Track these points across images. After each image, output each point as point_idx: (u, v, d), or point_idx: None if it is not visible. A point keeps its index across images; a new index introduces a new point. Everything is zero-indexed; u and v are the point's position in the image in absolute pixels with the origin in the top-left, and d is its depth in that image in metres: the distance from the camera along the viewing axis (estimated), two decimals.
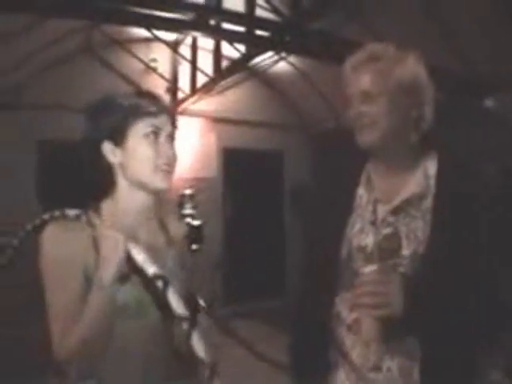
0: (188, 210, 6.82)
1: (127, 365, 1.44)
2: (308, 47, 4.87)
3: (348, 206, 1.63)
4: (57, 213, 1.43)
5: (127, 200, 1.52)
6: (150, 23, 4.73)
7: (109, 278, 1.33)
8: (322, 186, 1.94)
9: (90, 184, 1.55)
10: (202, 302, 4.57)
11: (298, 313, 1.83)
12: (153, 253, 1.48)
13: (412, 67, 1.52)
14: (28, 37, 5.22)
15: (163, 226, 1.64)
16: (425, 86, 1.53)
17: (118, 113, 1.46)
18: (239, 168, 8.09)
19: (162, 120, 1.50)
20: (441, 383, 1.40)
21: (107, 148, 1.48)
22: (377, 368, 1.46)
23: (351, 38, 4.77)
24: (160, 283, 1.27)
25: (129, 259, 1.34)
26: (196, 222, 6.76)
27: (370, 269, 1.37)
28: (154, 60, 7.31)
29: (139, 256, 1.31)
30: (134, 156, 1.47)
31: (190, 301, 1.56)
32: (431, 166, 1.54)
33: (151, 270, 1.29)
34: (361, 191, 1.64)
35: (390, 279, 1.35)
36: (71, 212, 1.42)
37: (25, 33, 5.14)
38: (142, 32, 6.69)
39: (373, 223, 1.55)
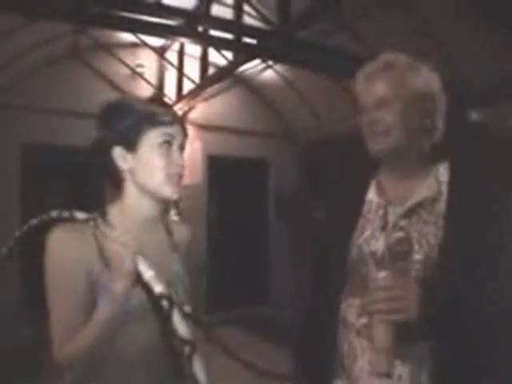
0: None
1: (129, 368, 1.42)
2: (295, 56, 4.88)
3: (356, 211, 1.64)
4: (65, 213, 1.41)
5: (135, 206, 1.51)
6: (138, 28, 4.72)
7: (120, 290, 1.31)
8: (330, 191, 1.94)
9: (98, 188, 1.54)
10: (188, 309, 4.54)
11: (302, 321, 1.84)
12: (159, 257, 1.49)
13: (425, 76, 1.55)
14: (14, 39, 5.18)
15: (168, 232, 1.63)
16: (437, 95, 1.55)
17: (132, 118, 1.45)
18: (224, 175, 8.07)
19: (175, 129, 1.49)
20: None
21: (118, 153, 1.47)
22: (388, 375, 1.44)
23: (339, 48, 4.81)
24: (165, 303, 1.25)
25: (136, 271, 1.32)
26: None
27: (383, 274, 1.35)
28: (141, 65, 7.29)
29: (147, 273, 1.30)
30: (146, 164, 1.46)
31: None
32: (443, 173, 1.56)
33: (157, 288, 1.27)
34: (370, 196, 1.65)
35: (405, 283, 1.35)
36: (80, 215, 1.41)
37: (11, 35, 5.11)
38: (128, 37, 6.68)
39: (383, 228, 1.55)
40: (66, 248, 1.38)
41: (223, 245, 7.96)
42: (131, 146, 1.46)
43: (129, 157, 1.47)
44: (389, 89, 1.52)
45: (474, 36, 4.59)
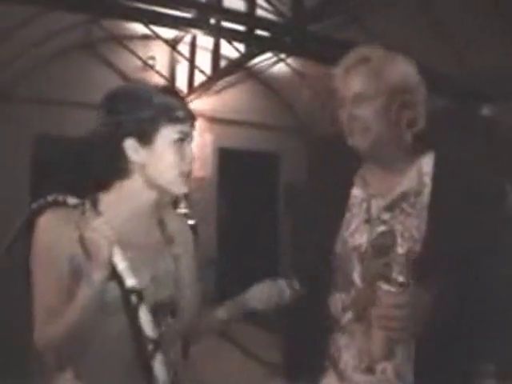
0: (182, 210, 6.81)
1: (108, 360, 1.40)
2: (308, 49, 4.85)
3: (343, 206, 1.62)
4: (60, 198, 1.40)
5: (136, 198, 1.48)
6: (151, 19, 4.72)
7: (98, 279, 1.30)
8: (318, 186, 1.93)
9: (97, 175, 1.51)
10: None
11: (291, 314, 1.81)
12: (150, 249, 1.48)
13: (402, 67, 1.51)
14: (27, 31, 5.19)
15: (161, 225, 1.60)
16: (416, 86, 1.52)
17: (150, 111, 1.41)
18: (234, 168, 8.07)
19: (189, 125, 1.47)
20: None
21: (130, 145, 1.42)
22: (370, 370, 1.43)
23: (351, 41, 4.77)
24: (134, 298, 1.24)
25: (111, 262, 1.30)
26: (190, 222, 6.73)
27: (397, 289, 1.25)
28: (153, 58, 7.29)
29: (121, 264, 1.29)
30: (160, 160, 1.43)
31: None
32: (426, 164, 1.53)
33: (129, 281, 1.26)
34: (355, 191, 1.62)
35: (420, 299, 1.27)
36: (71, 200, 1.40)
37: (23, 26, 5.12)
38: (141, 29, 6.67)
39: (367, 221, 1.54)
40: (51, 232, 1.37)
41: (233, 238, 7.97)
42: (146, 139, 1.42)
43: (142, 150, 1.43)
44: (367, 84, 1.49)
45: (487, 32, 4.55)
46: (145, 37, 7.07)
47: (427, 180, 1.50)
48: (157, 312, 1.36)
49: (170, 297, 1.49)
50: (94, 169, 1.51)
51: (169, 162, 1.44)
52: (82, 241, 1.33)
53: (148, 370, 1.33)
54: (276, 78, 7.77)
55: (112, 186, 1.48)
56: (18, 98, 6.07)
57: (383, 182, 1.55)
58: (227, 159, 7.98)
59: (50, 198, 1.41)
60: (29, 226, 1.42)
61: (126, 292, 1.26)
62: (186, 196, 6.90)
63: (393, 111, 1.48)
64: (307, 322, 1.64)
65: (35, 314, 1.37)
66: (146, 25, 6.14)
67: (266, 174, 8.40)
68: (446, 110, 5.19)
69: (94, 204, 1.42)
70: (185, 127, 1.45)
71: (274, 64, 7.16)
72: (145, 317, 1.22)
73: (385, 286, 1.26)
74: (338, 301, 1.53)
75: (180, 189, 1.48)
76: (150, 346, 1.18)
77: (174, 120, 1.42)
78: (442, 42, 4.93)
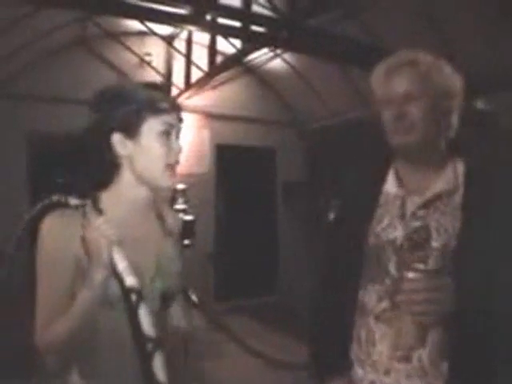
0: (180, 205, 6.80)
1: (116, 353, 1.42)
2: (304, 44, 4.86)
3: (373, 200, 1.69)
4: (62, 198, 1.41)
5: (130, 192, 1.50)
6: (146, 16, 4.71)
7: (98, 280, 1.32)
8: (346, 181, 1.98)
9: (92, 173, 1.53)
10: (194, 298, 4.56)
11: (315, 311, 1.87)
12: (152, 242, 1.51)
13: (448, 74, 1.58)
14: (21, 28, 5.18)
15: (160, 218, 1.63)
16: (458, 94, 1.59)
17: (134, 105, 1.44)
18: (232, 164, 8.08)
19: (174, 117, 1.49)
20: (468, 377, 1.41)
21: (117, 139, 1.45)
22: (406, 358, 1.48)
23: (347, 36, 4.78)
24: (134, 297, 1.24)
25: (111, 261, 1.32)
26: (188, 217, 6.74)
27: (419, 275, 1.34)
28: (149, 54, 7.26)
29: (120, 264, 1.30)
30: (147, 153, 1.46)
31: (184, 296, 1.55)
32: (460, 166, 1.60)
33: (129, 281, 1.27)
34: (388, 187, 1.68)
35: (443, 284, 1.35)
36: (73, 201, 1.41)
37: (18, 23, 5.11)
38: (136, 25, 6.65)
39: (401, 217, 1.59)
40: (55, 234, 1.39)
41: (231, 233, 7.99)
42: (132, 132, 1.45)
43: (129, 143, 1.46)
44: (416, 84, 1.55)
45: (481, 23, 4.56)
46: (141, 33, 7.04)
47: (461, 181, 1.57)
48: (165, 300, 1.38)
49: (174, 285, 1.53)
50: (87, 166, 1.53)
51: (155, 154, 1.46)
52: (84, 241, 1.36)
53: (147, 369, 1.34)
54: (272, 74, 7.77)
55: (110, 184, 1.50)
56: (14, 95, 6.06)
57: (418, 180, 1.62)
58: (224, 155, 7.98)
59: (54, 199, 1.42)
60: (33, 228, 1.43)
61: (126, 291, 1.26)
62: (184, 192, 6.90)
63: (437, 114, 1.56)
64: (333, 315, 1.69)
65: (37, 314, 1.39)
66: (142, 21, 6.13)
67: (263, 169, 8.41)
68: None
69: (95, 203, 1.44)
70: (169, 118, 1.47)
71: (271, 59, 7.16)
72: (144, 315, 1.22)
73: (408, 274, 1.34)
74: (372, 292, 1.59)
75: (166, 182, 1.49)
76: (150, 345, 1.19)
77: (158, 111, 1.45)
78: (436, 36, 4.93)
